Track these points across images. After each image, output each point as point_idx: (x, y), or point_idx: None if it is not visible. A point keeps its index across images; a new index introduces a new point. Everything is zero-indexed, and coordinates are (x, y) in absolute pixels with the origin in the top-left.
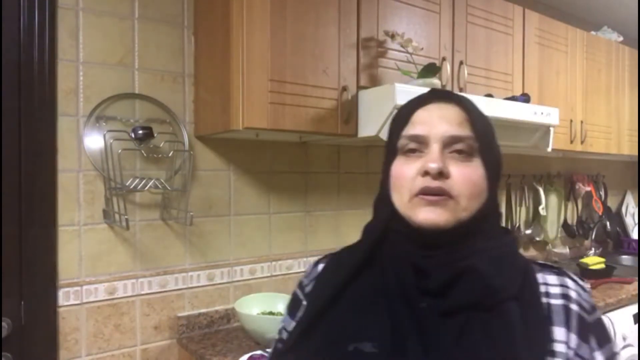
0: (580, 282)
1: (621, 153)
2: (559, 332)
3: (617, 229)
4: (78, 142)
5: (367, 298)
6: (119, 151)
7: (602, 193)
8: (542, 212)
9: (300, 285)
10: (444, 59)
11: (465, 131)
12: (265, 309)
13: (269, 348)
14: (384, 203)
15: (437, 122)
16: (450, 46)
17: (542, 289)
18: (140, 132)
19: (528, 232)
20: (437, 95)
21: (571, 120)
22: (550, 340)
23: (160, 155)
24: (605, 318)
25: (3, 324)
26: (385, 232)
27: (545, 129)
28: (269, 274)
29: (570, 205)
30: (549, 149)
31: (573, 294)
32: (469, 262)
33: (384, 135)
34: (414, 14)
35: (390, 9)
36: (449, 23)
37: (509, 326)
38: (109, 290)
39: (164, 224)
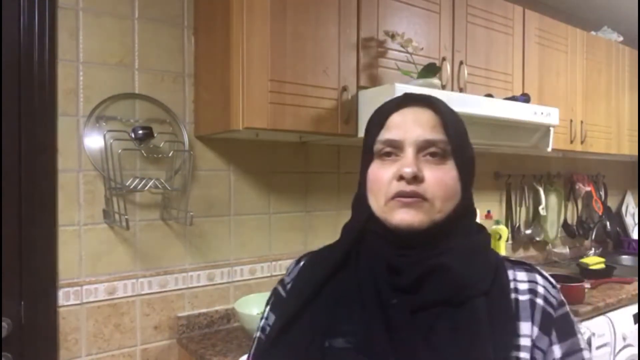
0: (550, 279)
1: (621, 153)
2: (525, 327)
3: (617, 229)
4: (78, 142)
5: (343, 295)
6: (119, 151)
7: (602, 193)
8: (542, 212)
9: (282, 283)
10: (444, 59)
11: (438, 135)
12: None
13: None
14: (361, 204)
15: (411, 127)
16: (450, 46)
17: (512, 285)
18: (140, 132)
19: (528, 232)
20: (411, 100)
21: (571, 120)
22: (516, 334)
23: (160, 155)
24: (604, 318)
25: (3, 324)
26: (362, 232)
27: (545, 129)
28: (269, 274)
29: (570, 205)
30: (549, 149)
31: (540, 289)
32: (440, 260)
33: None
34: (414, 14)
35: (390, 9)
36: (449, 23)
37: (476, 322)
38: (109, 290)
39: (164, 224)
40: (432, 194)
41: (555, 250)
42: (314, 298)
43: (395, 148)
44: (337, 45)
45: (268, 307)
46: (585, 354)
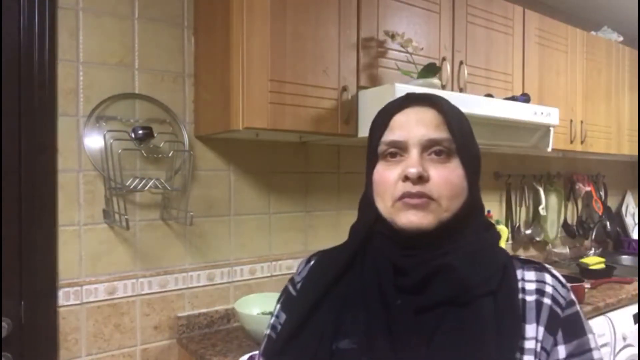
0: (560, 278)
1: (621, 153)
2: (530, 329)
3: (617, 229)
4: (78, 142)
5: (349, 296)
6: (119, 151)
7: (602, 193)
8: (542, 212)
9: (293, 282)
10: (444, 59)
11: (442, 134)
12: (265, 309)
13: None
14: (368, 205)
15: (414, 127)
16: (450, 46)
17: (519, 285)
18: (140, 132)
19: (528, 232)
20: (413, 99)
21: (571, 120)
22: (521, 337)
23: (160, 155)
24: (604, 318)
25: (3, 324)
26: (370, 233)
27: (545, 129)
28: (269, 274)
29: (570, 205)
30: (549, 149)
31: (548, 289)
32: (445, 260)
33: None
34: (414, 14)
35: (390, 9)
36: (449, 23)
37: (480, 322)
38: (109, 290)
39: (164, 224)
40: (439, 193)
41: (555, 250)
42: (322, 300)
43: (399, 149)
44: (337, 45)
45: (279, 306)
46: (595, 354)
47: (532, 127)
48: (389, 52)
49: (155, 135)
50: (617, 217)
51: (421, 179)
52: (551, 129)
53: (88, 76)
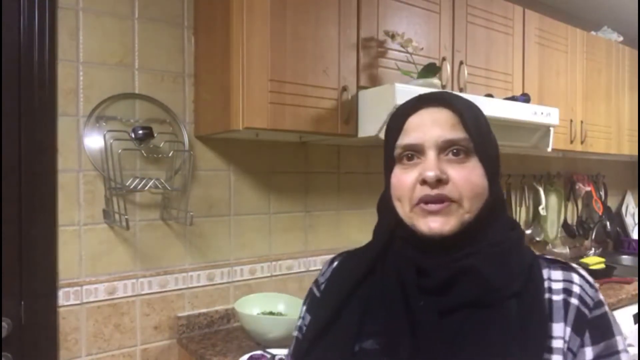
0: (588, 278)
1: (621, 153)
2: (557, 328)
3: (617, 229)
4: (78, 142)
5: (373, 298)
6: (119, 151)
7: (602, 193)
8: (542, 212)
9: (317, 283)
10: (444, 59)
11: (458, 133)
12: (265, 309)
13: (268, 348)
14: (387, 207)
15: (429, 128)
16: (450, 46)
17: (546, 284)
18: (140, 132)
19: (528, 232)
20: (426, 100)
21: (571, 120)
22: (548, 336)
23: (160, 155)
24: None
25: (3, 324)
26: (392, 236)
27: (545, 129)
28: (269, 274)
29: (570, 205)
30: (549, 149)
31: (576, 289)
32: (469, 261)
33: (384, 136)
34: (414, 14)
35: (390, 9)
36: (449, 23)
37: (505, 325)
38: (109, 290)
39: (164, 224)
40: (459, 195)
41: (555, 250)
42: (346, 301)
43: (415, 151)
44: (337, 45)
45: (304, 307)
46: (623, 356)
47: (532, 127)
48: (389, 52)
49: (155, 135)
50: (617, 217)
51: (440, 181)
52: (551, 129)
53: (88, 76)
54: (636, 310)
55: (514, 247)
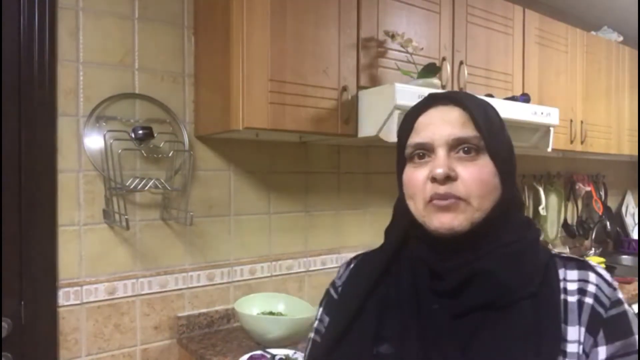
0: (606, 277)
1: (621, 153)
2: (572, 332)
3: (617, 229)
4: (78, 142)
5: (389, 301)
6: (119, 151)
7: (602, 193)
8: (542, 212)
9: (334, 285)
10: (444, 59)
11: (468, 131)
12: (265, 309)
13: (268, 348)
14: (401, 208)
15: (440, 127)
16: (450, 46)
17: (561, 285)
18: (140, 132)
19: None
20: (436, 99)
21: (571, 120)
22: (563, 340)
23: (160, 155)
24: None
25: (3, 324)
26: (405, 237)
27: (545, 129)
28: (269, 274)
29: (570, 205)
30: (549, 149)
31: (591, 288)
32: (483, 264)
33: (384, 135)
34: (414, 14)
35: (390, 9)
36: (449, 23)
37: (520, 327)
38: (109, 290)
39: (164, 224)
40: (468, 192)
41: (555, 250)
42: (363, 304)
43: (426, 150)
44: (337, 45)
45: (321, 309)
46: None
47: (532, 127)
48: (389, 52)
49: (155, 135)
50: (617, 217)
51: (449, 178)
52: (551, 129)
53: (88, 76)
54: (636, 310)
55: (529, 247)
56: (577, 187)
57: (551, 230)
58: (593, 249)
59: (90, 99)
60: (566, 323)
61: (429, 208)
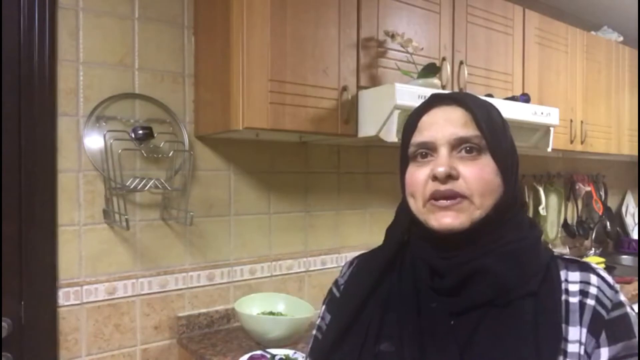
0: (607, 279)
1: (621, 153)
2: (573, 332)
3: (617, 229)
4: (78, 142)
5: (391, 299)
6: (119, 151)
7: (602, 193)
8: (542, 212)
9: (336, 284)
10: (444, 59)
11: (470, 131)
12: (265, 309)
13: (268, 348)
14: (403, 209)
15: (442, 126)
16: (450, 46)
17: (562, 286)
18: (140, 132)
19: None
20: (439, 99)
21: (571, 120)
22: (563, 339)
23: (160, 155)
24: None
25: (3, 324)
26: (407, 235)
27: (545, 129)
28: (269, 274)
29: (570, 205)
30: (549, 149)
31: (593, 290)
32: (484, 262)
33: (384, 135)
34: (414, 14)
35: (390, 9)
36: (449, 23)
37: (520, 325)
38: (109, 290)
39: (164, 224)
40: (469, 190)
41: (555, 250)
42: (365, 302)
43: (428, 149)
44: (337, 45)
45: (324, 307)
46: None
47: (532, 127)
48: (389, 52)
49: (155, 135)
50: (617, 217)
51: (450, 177)
52: (551, 129)
53: (88, 76)
54: (636, 310)
55: (530, 246)
56: (577, 187)
57: (551, 230)
58: (593, 249)
59: (90, 99)
60: (567, 323)
61: (428, 206)
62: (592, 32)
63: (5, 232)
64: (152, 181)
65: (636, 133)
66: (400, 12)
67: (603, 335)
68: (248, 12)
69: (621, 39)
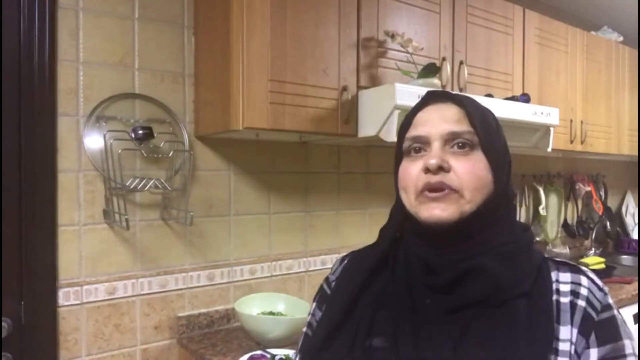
0: (597, 281)
1: (621, 153)
2: (564, 331)
3: (617, 229)
4: (78, 142)
5: (383, 295)
6: (119, 151)
7: (602, 193)
8: (542, 212)
9: (327, 281)
10: (444, 59)
11: (463, 127)
12: (265, 309)
13: (268, 348)
14: (397, 208)
15: (436, 122)
16: (450, 46)
17: (554, 286)
18: (140, 132)
19: None
20: (435, 97)
21: (571, 120)
22: (555, 338)
23: (160, 155)
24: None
25: (3, 324)
26: (400, 232)
27: (545, 129)
28: (269, 274)
29: (570, 205)
30: (549, 149)
31: (583, 291)
32: (478, 261)
33: (384, 135)
34: (414, 14)
35: (390, 9)
36: (449, 23)
37: (513, 324)
38: (109, 290)
39: (164, 224)
40: (460, 183)
41: (555, 250)
42: (356, 299)
43: (422, 144)
44: (337, 45)
45: (314, 304)
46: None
47: (532, 127)
48: (389, 52)
49: (155, 135)
50: (617, 217)
51: (442, 169)
52: (551, 129)
53: (88, 76)
54: (636, 310)
55: (524, 247)
56: (577, 187)
57: (551, 230)
58: (593, 249)
59: (90, 99)
60: (558, 322)
61: (420, 198)
62: (592, 32)
63: (5, 232)
64: (152, 181)
65: (636, 133)
66: (400, 12)
67: (592, 336)
68: (248, 12)
69: (621, 39)
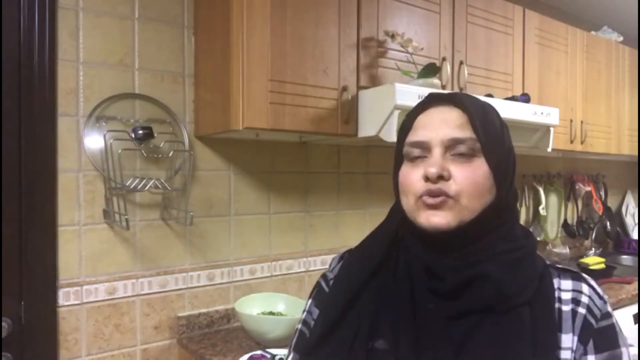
0: (597, 289)
1: (621, 153)
2: (566, 339)
3: (617, 229)
4: (78, 142)
5: (384, 297)
6: (119, 151)
7: (602, 193)
8: (542, 212)
9: (325, 278)
10: (444, 59)
11: (465, 133)
12: (265, 309)
13: (268, 348)
14: (395, 208)
15: (437, 126)
16: (450, 46)
17: (556, 294)
18: (140, 132)
19: None
20: (437, 99)
21: (571, 120)
22: (557, 347)
23: (160, 155)
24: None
25: (3, 324)
26: (397, 233)
27: (545, 129)
28: (269, 274)
29: (570, 205)
30: (549, 149)
31: (584, 299)
32: (483, 268)
33: (384, 135)
34: (414, 14)
35: (390, 9)
36: (449, 23)
37: (516, 332)
38: (109, 290)
39: (164, 224)
40: (459, 191)
41: (555, 250)
42: (356, 298)
43: (423, 149)
44: (337, 45)
45: (310, 301)
46: None
47: (532, 127)
48: (389, 52)
49: (155, 135)
50: (617, 217)
51: (441, 178)
52: (551, 129)
53: (88, 76)
54: (636, 310)
55: (527, 255)
56: (577, 187)
57: (551, 230)
58: (593, 249)
59: (90, 99)
60: (560, 331)
61: (418, 204)
62: (592, 32)
63: (5, 232)
64: (152, 181)
65: (636, 133)
66: (400, 12)
67: (591, 344)
68: (248, 12)
69: (621, 39)
